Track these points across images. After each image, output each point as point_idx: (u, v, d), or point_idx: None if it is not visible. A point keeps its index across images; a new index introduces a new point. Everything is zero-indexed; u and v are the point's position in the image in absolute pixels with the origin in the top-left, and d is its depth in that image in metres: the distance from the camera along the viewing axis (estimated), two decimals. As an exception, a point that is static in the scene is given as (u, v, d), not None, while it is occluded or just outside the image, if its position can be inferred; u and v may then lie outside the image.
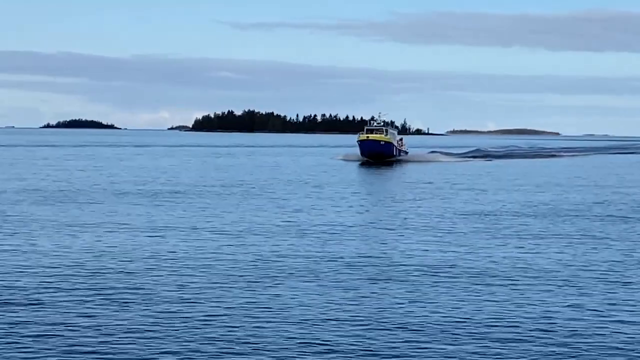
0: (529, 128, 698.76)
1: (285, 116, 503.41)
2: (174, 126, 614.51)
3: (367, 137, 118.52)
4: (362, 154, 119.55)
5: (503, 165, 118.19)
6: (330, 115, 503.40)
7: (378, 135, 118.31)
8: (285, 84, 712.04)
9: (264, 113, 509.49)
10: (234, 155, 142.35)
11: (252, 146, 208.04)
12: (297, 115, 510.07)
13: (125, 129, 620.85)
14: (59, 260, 30.40)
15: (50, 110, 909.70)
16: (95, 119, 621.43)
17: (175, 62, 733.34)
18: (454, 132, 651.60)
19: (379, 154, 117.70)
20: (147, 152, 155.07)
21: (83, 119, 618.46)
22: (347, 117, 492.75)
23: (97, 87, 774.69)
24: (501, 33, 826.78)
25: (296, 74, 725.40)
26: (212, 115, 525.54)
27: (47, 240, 35.37)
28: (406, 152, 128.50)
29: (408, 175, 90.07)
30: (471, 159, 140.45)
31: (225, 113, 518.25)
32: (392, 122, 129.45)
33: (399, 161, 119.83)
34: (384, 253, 33.16)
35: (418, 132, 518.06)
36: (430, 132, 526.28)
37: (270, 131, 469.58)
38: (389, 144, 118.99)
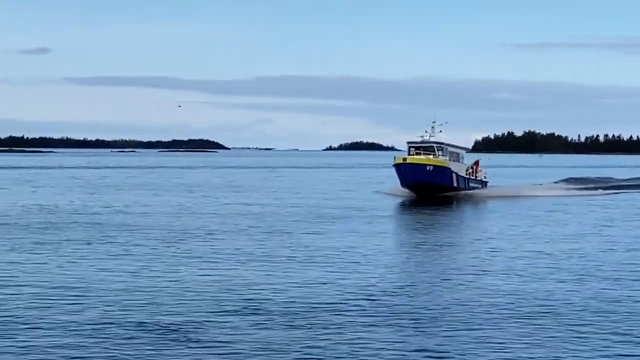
0: None
1: (566, 137, 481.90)
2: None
3: (404, 159, 76.85)
4: (401, 184, 77.82)
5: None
6: (614, 136, 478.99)
7: (422, 158, 76.12)
8: (566, 104, 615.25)
9: (544, 134, 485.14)
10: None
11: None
12: (579, 136, 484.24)
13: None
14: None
15: (331, 133, 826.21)
16: (375, 141, 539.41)
17: (452, 84, 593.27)
18: None
19: (425, 186, 75.50)
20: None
21: (364, 141, 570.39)
22: (630, 137, 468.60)
23: (377, 109, 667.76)
24: None
25: (577, 94, 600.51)
26: (492, 137, 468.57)
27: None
28: (483, 182, 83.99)
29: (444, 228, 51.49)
30: (594, 191, 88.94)
31: (505, 134, 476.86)
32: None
33: (466, 195, 77.09)
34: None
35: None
36: None
37: (551, 152, 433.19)
38: (441, 170, 76.16)
